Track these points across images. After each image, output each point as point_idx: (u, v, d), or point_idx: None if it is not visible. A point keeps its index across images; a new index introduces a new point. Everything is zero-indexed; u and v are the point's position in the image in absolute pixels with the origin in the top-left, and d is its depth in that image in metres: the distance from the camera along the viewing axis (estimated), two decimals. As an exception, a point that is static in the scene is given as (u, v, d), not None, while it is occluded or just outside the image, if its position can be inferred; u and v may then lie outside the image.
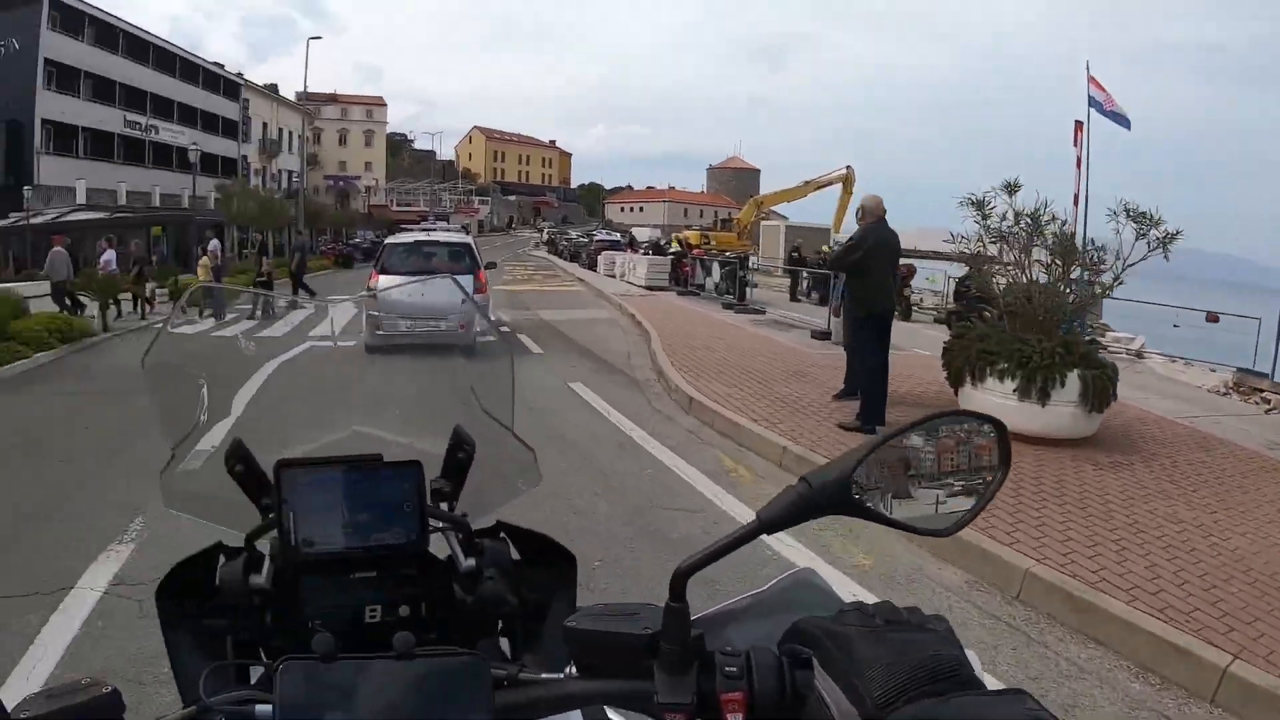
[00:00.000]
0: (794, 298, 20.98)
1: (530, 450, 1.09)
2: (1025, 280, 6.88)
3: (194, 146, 28.71)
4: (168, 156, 38.91)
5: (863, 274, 6.62)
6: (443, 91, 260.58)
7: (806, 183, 42.09)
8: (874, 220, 6.73)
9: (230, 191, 31.36)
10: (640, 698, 0.67)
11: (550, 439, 6.17)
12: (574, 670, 0.72)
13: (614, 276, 25.40)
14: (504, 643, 0.99)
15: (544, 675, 0.73)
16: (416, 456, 0.93)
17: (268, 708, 0.67)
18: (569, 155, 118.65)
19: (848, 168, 40.60)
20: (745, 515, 4.60)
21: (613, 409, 7.43)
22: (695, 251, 23.57)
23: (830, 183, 40.65)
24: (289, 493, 0.88)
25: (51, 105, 33.19)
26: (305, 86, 46.67)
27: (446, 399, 1.26)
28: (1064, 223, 6.99)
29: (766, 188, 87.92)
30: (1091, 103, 18.75)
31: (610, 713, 0.84)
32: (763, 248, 35.43)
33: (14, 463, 5.77)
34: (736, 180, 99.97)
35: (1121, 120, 18.96)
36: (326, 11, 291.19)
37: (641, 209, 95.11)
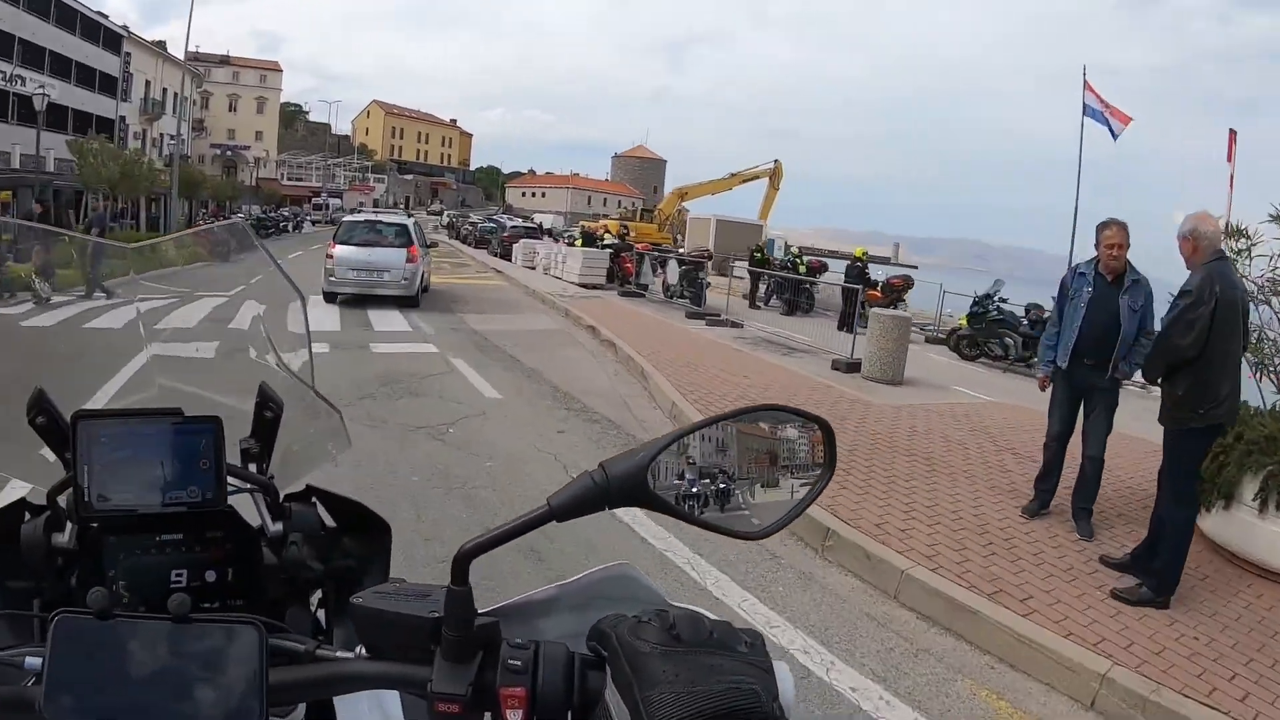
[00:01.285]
0: (753, 304, 18.16)
1: (336, 411, 1.01)
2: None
3: (40, 91, 22.78)
4: (34, 112, 31.79)
5: (1198, 354, 3.56)
6: (344, 66, 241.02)
7: (733, 175, 40.00)
8: (1212, 259, 3.67)
9: (85, 148, 25.22)
10: (417, 684, 0.63)
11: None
12: (364, 650, 0.68)
13: (534, 269, 22.01)
14: (323, 615, 0.93)
15: (339, 653, 0.68)
16: (221, 413, 0.87)
17: (38, 660, 0.63)
18: (469, 136, 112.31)
19: (775, 161, 38.85)
20: None
21: (697, 556, 3.98)
22: (641, 246, 20.31)
23: (757, 176, 38.87)
24: (85, 446, 0.83)
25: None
26: (188, 39, 40.09)
27: (249, 354, 1.19)
28: None
29: (673, 179, 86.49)
30: (1088, 110, 17.82)
31: (402, 696, 0.81)
32: (689, 242, 32.40)
33: None
34: (642, 170, 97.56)
35: (1114, 125, 17.99)
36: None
37: (544, 194, 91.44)
